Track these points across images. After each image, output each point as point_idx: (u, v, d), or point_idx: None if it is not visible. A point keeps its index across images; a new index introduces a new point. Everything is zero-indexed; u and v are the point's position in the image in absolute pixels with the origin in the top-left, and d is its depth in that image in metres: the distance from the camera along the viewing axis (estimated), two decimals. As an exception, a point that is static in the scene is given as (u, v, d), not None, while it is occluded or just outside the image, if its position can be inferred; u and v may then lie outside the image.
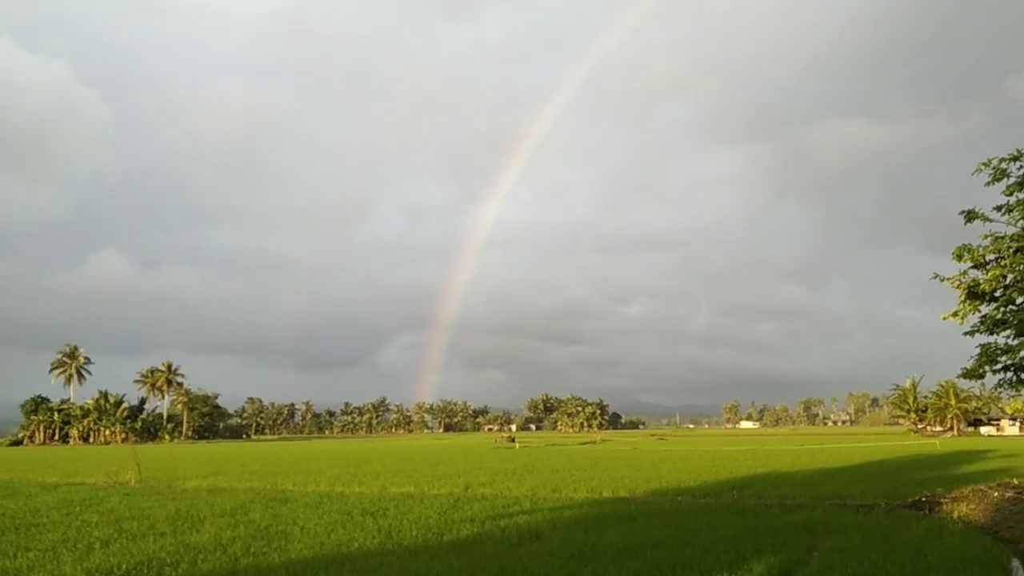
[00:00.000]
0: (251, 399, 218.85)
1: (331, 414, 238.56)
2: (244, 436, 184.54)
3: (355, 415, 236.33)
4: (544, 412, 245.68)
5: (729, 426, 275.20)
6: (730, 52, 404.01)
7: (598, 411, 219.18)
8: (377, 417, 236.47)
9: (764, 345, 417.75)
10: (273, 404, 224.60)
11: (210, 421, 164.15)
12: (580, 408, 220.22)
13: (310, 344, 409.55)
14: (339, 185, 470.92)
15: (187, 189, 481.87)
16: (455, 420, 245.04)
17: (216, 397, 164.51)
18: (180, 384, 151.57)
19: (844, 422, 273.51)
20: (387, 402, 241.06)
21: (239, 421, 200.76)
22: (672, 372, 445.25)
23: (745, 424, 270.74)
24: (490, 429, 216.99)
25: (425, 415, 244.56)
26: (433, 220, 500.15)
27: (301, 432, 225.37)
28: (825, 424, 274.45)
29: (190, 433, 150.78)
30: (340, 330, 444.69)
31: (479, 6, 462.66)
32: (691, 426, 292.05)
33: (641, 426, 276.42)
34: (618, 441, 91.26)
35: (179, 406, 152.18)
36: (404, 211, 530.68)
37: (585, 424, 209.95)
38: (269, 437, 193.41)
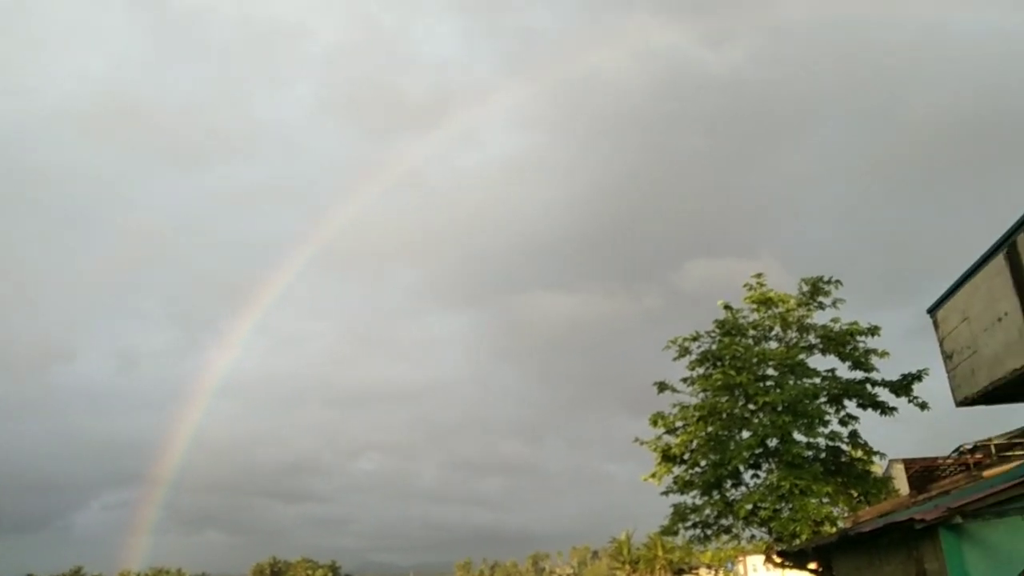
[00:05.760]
0: None
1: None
2: None
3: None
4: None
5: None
6: (450, 225, 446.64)
7: (330, 574, 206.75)
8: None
9: (490, 500, 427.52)
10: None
11: None
12: (311, 571, 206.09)
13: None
14: (38, 324, 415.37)
15: None
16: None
17: None
18: None
19: (569, 575, 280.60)
20: (83, 571, 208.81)
21: None
22: (404, 529, 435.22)
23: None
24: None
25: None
26: (148, 367, 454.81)
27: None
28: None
29: None
30: (26, 487, 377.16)
31: (209, 158, 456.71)
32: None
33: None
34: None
35: None
36: (114, 356, 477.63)
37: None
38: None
